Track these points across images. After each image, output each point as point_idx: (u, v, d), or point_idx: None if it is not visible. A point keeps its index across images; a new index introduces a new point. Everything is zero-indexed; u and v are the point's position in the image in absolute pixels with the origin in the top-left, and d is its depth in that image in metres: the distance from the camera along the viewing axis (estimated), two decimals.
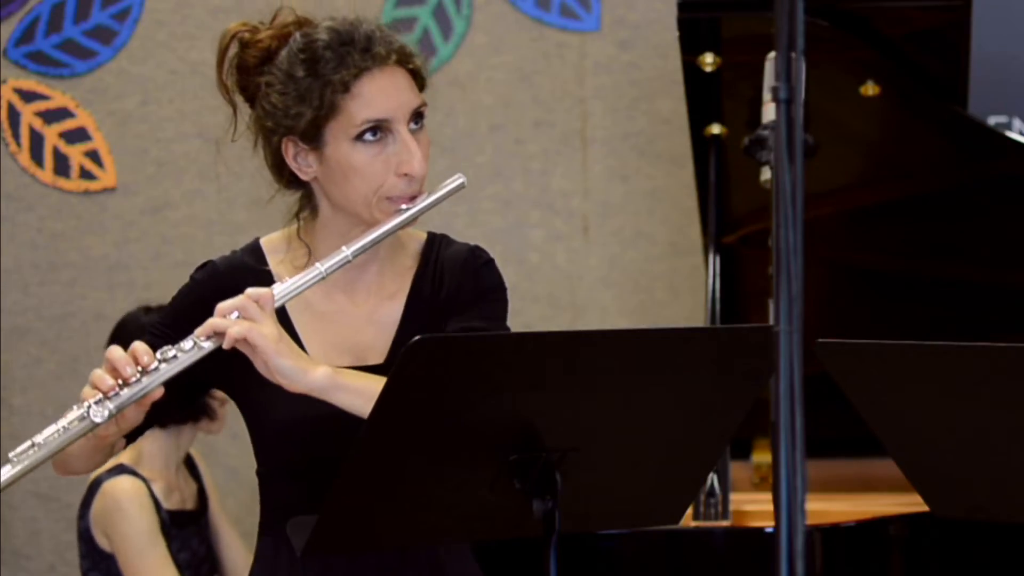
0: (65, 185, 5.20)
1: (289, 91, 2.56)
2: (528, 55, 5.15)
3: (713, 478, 3.71)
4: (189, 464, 4.18)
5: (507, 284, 2.70)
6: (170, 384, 2.44)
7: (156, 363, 2.42)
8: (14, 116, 5.20)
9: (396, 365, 2.24)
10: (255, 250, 2.68)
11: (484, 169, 5.13)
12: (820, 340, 2.37)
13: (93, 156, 5.20)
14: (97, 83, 5.20)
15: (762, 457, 4.50)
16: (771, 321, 1.89)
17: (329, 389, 2.44)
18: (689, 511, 3.57)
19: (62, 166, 5.20)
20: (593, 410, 2.35)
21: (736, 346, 2.39)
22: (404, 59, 2.59)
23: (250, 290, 2.46)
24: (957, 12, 4.26)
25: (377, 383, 2.30)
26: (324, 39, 2.57)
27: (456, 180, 2.60)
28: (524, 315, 5.02)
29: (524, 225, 5.15)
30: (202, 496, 4.17)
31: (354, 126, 2.55)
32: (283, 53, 2.59)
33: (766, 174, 3.51)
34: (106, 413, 2.39)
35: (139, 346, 2.44)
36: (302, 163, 2.60)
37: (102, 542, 4.00)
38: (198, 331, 2.45)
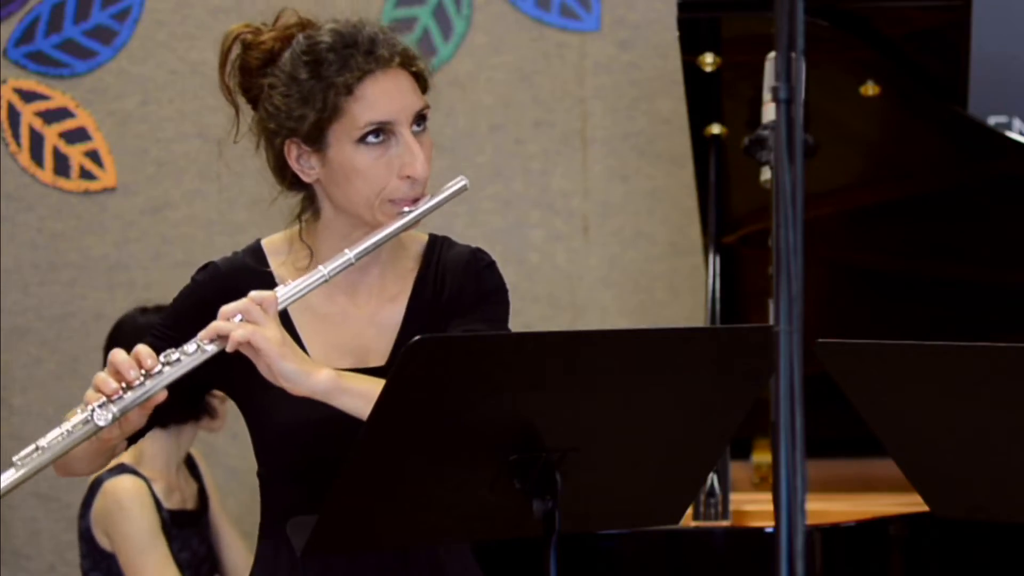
0: (65, 185, 5.20)
1: (292, 93, 2.56)
2: (528, 55, 5.15)
3: (713, 478, 3.71)
4: (190, 464, 4.18)
5: (507, 284, 2.70)
6: (172, 386, 2.44)
7: (159, 366, 2.42)
8: (14, 116, 5.20)
9: (396, 365, 2.24)
10: (256, 251, 2.68)
11: (484, 169, 5.13)
12: (820, 340, 2.37)
13: (93, 156, 5.20)
14: (97, 83, 5.20)
15: (762, 457, 4.50)
16: (771, 321, 1.89)
17: (332, 392, 2.45)
18: (689, 511, 3.57)
19: (62, 166, 5.20)
20: (593, 410, 2.35)
21: (736, 346, 2.39)
22: (407, 61, 2.59)
23: (253, 293, 2.46)
24: (957, 12, 4.26)
25: (380, 386, 2.29)
26: (327, 41, 2.56)
27: (458, 183, 2.60)
28: (524, 315, 5.02)
29: (524, 225, 5.15)
30: (203, 496, 4.17)
31: (357, 128, 2.55)
32: (286, 55, 2.59)
33: (766, 174, 3.51)
34: (110, 416, 2.39)
35: (143, 349, 2.44)
36: (305, 165, 2.60)
37: (103, 542, 4.00)
38: (201, 334, 2.45)
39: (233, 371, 2.52)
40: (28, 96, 5.20)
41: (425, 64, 2.62)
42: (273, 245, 2.68)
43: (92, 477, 4.00)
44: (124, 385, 2.41)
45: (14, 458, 2.40)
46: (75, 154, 5.20)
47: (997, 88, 4.80)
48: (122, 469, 3.97)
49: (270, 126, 2.60)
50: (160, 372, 2.42)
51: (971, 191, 4.33)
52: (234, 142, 2.66)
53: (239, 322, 2.44)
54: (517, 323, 2.77)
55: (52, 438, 2.40)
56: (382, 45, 2.57)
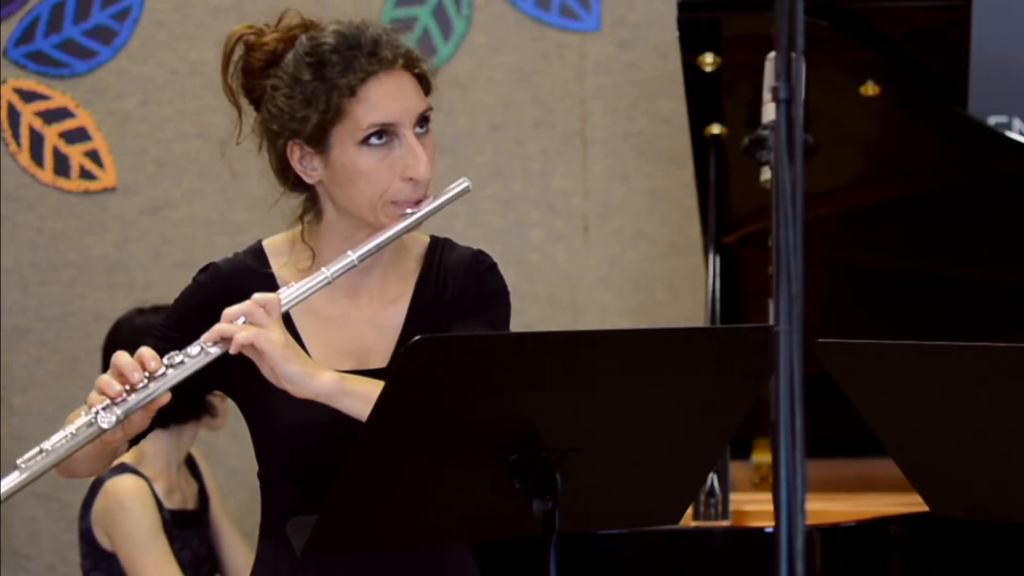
0: (65, 185, 5.20)
1: (295, 94, 2.56)
2: (528, 55, 5.15)
3: (713, 478, 3.71)
4: (190, 464, 4.18)
5: (508, 285, 2.70)
6: (174, 387, 2.44)
7: (163, 368, 2.43)
8: (14, 116, 5.20)
9: (396, 365, 2.24)
10: (258, 252, 2.68)
11: (484, 169, 5.13)
12: (820, 340, 2.37)
13: (93, 156, 5.20)
14: (97, 83, 5.20)
15: (762, 457, 4.50)
16: (771, 321, 1.89)
17: (335, 395, 2.45)
18: (689, 511, 3.57)
19: (62, 166, 5.20)
20: (593, 410, 2.35)
21: (736, 346, 2.39)
22: (411, 63, 2.59)
23: (257, 295, 2.46)
24: (957, 12, 4.26)
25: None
26: (330, 43, 2.56)
27: (461, 184, 2.60)
28: (524, 315, 5.02)
29: (524, 225, 5.15)
30: (203, 496, 4.18)
31: (360, 130, 2.55)
32: (289, 56, 2.59)
33: (766, 174, 3.51)
34: (113, 419, 2.40)
35: (146, 351, 2.44)
36: (307, 166, 2.60)
37: (104, 541, 4.00)
38: (205, 336, 2.45)
39: (235, 373, 2.52)
40: (28, 96, 5.20)
41: (428, 66, 2.62)
42: (275, 246, 2.68)
43: (93, 477, 4.00)
44: (128, 387, 2.41)
45: (18, 461, 2.40)
46: (75, 154, 5.20)
47: (997, 88, 4.80)
48: (123, 469, 3.97)
49: (273, 127, 2.59)
50: (164, 374, 2.42)
51: (971, 191, 4.34)
52: (236, 143, 2.66)
53: (243, 324, 2.44)
54: (517, 323, 2.77)
55: (56, 441, 2.40)
56: (385, 47, 2.56)
